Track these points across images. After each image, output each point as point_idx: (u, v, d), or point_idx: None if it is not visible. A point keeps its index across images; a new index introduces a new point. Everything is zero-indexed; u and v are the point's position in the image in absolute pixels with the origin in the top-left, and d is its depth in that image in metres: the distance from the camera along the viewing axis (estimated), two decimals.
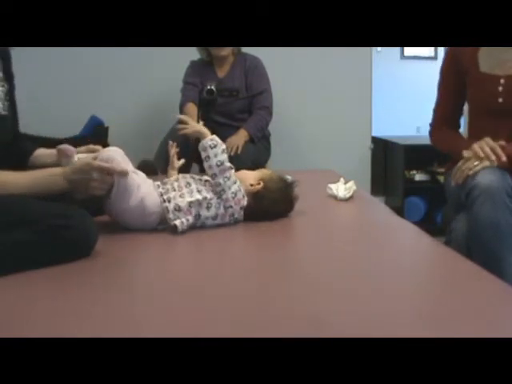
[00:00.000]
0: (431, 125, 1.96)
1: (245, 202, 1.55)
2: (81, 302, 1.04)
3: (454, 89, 1.86)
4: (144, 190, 1.47)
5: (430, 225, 2.89)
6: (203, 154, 1.55)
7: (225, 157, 1.55)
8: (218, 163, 1.53)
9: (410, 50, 4.34)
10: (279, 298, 1.04)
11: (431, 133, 1.97)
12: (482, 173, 1.55)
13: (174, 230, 1.47)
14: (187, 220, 1.47)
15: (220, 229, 1.54)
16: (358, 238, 1.51)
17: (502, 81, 1.71)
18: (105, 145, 2.87)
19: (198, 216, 1.50)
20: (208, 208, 1.50)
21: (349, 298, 1.04)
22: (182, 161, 1.77)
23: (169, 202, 1.48)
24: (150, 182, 1.54)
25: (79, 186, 1.35)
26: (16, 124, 1.54)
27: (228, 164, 1.55)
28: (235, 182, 1.55)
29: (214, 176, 1.53)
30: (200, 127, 1.66)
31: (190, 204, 1.48)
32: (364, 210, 1.85)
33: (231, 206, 1.53)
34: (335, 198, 1.89)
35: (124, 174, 1.40)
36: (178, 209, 1.47)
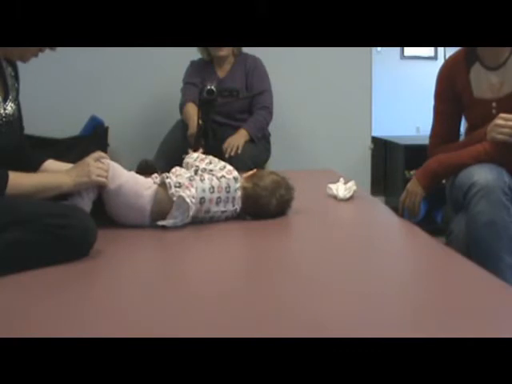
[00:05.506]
0: (428, 152, 1.89)
1: (236, 173, 1.61)
2: (80, 301, 1.04)
3: (452, 112, 1.89)
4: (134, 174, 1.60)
5: (429, 225, 2.88)
6: None
7: (210, 158, 1.67)
8: (196, 157, 1.67)
9: (409, 50, 4.33)
10: (278, 298, 1.04)
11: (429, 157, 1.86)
12: (478, 171, 1.58)
13: (176, 223, 1.49)
14: (189, 190, 1.52)
15: (219, 227, 1.54)
16: (358, 238, 1.51)
17: (493, 104, 1.77)
18: (105, 145, 2.90)
19: (195, 189, 1.54)
20: (202, 181, 1.56)
21: (348, 298, 1.04)
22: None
23: (167, 178, 1.54)
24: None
25: (82, 176, 1.43)
26: (22, 127, 1.55)
27: (207, 157, 1.67)
28: (219, 162, 1.64)
29: (197, 167, 1.64)
30: None
31: (190, 178, 1.56)
32: (364, 210, 1.85)
33: (223, 176, 1.58)
34: (335, 197, 1.89)
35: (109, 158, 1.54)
36: (178, 185, 1.52)
